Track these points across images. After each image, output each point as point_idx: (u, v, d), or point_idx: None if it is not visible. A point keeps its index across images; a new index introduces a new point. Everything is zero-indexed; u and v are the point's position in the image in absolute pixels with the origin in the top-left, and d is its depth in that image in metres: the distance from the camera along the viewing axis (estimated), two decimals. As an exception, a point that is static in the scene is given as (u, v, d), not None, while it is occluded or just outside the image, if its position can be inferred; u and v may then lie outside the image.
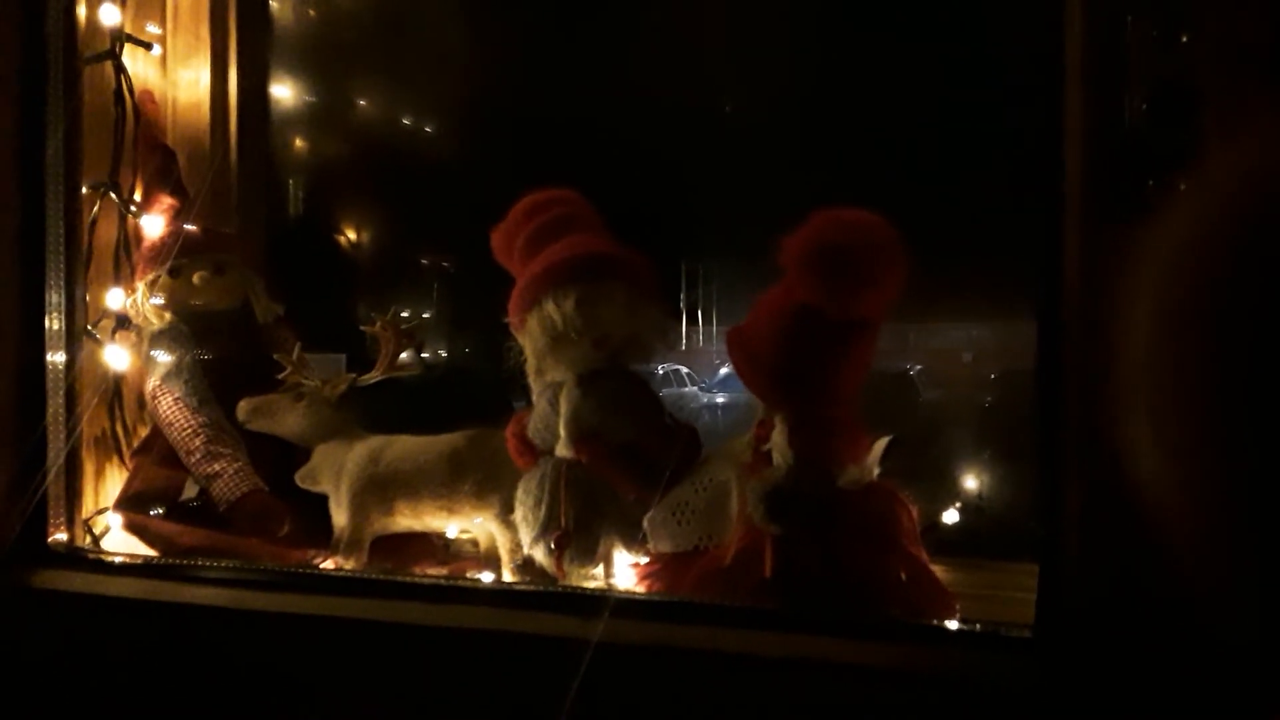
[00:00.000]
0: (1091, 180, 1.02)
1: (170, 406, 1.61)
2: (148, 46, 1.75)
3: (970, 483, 1.62)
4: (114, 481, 1.65)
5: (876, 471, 1.28)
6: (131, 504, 1.59)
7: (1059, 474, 1.05)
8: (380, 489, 1.49)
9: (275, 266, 1.91)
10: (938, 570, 1.27)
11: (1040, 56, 1.07)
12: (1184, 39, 0.97)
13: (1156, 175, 0.96)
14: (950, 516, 1.49)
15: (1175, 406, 0.69)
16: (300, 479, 1.55)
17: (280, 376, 1.57)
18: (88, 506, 1.58)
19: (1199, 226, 0.72)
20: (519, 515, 1.41)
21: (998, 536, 1.52)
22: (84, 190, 1.56)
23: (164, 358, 1.63)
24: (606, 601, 1.23)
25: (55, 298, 1.51)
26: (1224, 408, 0.66)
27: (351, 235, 2.41)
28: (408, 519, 1.51)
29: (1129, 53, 1.00)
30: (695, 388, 4.37)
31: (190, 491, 1.61)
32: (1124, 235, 0.90)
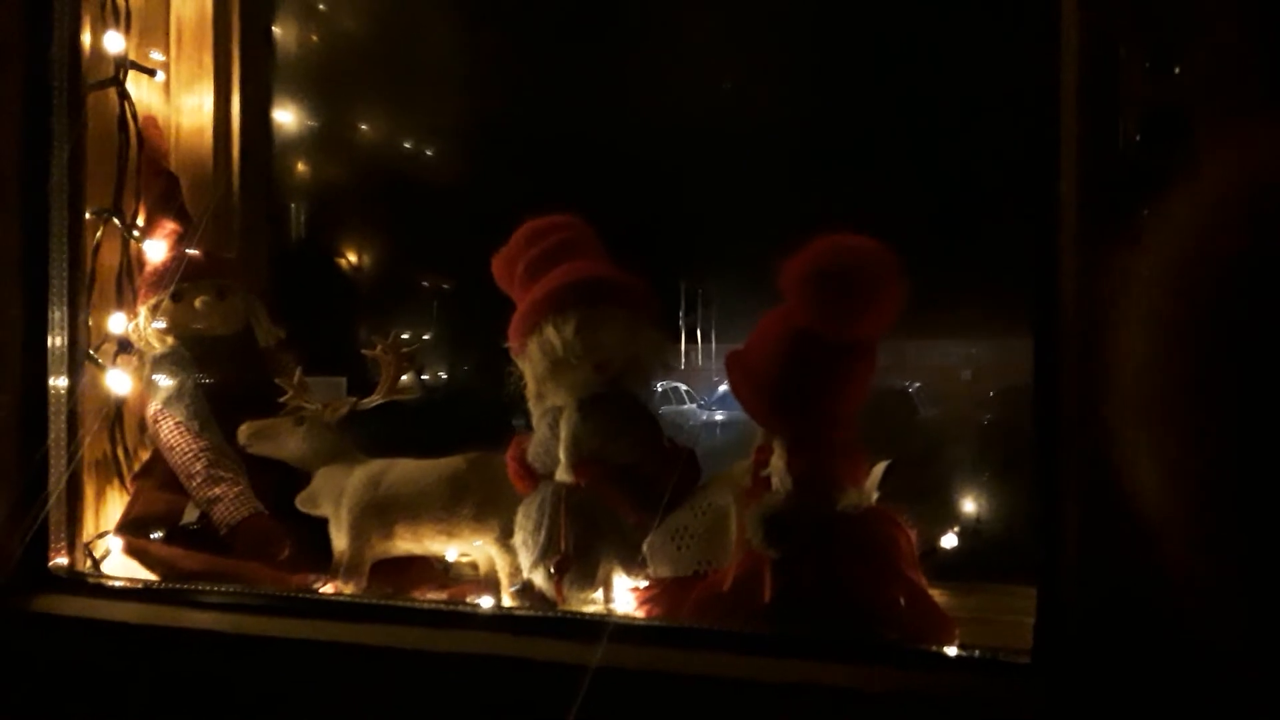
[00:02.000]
0: (1086, 203, 1.03)
1: (171, 430, 1.62)
2: (151, 73, 1.77)
3: (969, 504, 1.61)
4: (115, 505, 1.65)
5: (875, 495, 1.29)
6: (132, 528, 1.59)
7: (1057, 495, 1.05)
8: (380, 512, 1.50)
9: (277, 290, 1.92)
10: (936, 595, 1.27)
11: (1035, 83, 1.08)
12: (1176, 69, 0.98)
13: (1149, 199, 0.97)
14: (949, 541, 1.49)
15: (1170, 425, 0.70)
16: (300, 503, 1.55)
17: (281, 400, 1.58)
18: (89, 530, 1.59)
19: (1190, 247, 0.73)
20: (519, 539, 1.41)
21: (997, 558, 1.52)
22: (87, 216, 1.57)
23: (165, 382, 1.64)
24: (606, 626, 1.23)
25: (58, 322, 1.52)
26: (1218, 425, 0.67)
27: (353, 259, 2.42)
28: (408, 542, 1.51)
29: (1121, 80, 1.01)
30: (694, 405, 4.37)
31: (191, 515, 1.62)
32: (1118, 257, 0.91)
